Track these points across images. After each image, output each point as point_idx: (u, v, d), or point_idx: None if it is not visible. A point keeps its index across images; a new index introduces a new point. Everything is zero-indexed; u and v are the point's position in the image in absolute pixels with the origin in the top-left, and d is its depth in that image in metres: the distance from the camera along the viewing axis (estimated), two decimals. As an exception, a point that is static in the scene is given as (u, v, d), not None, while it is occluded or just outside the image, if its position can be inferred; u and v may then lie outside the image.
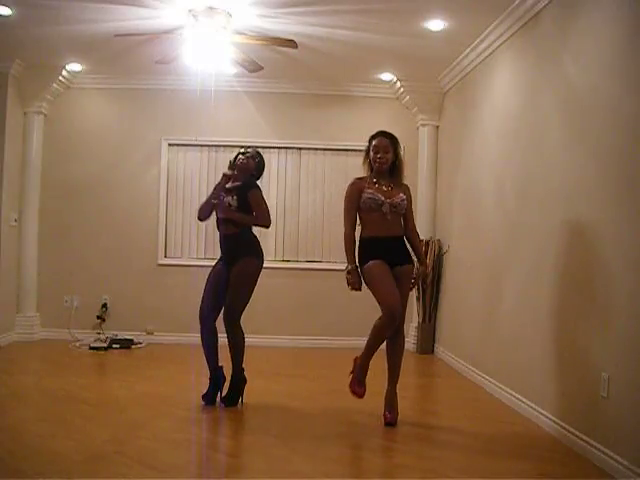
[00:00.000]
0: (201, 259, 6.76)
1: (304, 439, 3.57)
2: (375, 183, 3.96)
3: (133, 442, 3.37)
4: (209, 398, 4.16)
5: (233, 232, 4.23)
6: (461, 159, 5.95)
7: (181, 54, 5.09)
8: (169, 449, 3.31)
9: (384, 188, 3.94)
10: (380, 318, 3.75)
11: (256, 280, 4.23)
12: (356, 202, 3.93)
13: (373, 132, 7.03)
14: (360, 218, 3.98)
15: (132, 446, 3.30)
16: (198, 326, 4.25)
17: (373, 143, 4.02)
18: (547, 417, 3.83)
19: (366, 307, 6.79)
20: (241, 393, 4.22)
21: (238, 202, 4.21)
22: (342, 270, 7.48)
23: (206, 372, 4.24)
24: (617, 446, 3.08)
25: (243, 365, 4.23)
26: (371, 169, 4.03)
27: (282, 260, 6.80)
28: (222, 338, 4.19)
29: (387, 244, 3.89)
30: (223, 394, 4.21)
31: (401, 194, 3.95)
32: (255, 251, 4.27)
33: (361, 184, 3.98)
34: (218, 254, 4.37)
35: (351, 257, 3.91)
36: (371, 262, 3.84)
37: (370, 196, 3.89)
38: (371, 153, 4.01)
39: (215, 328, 4.23)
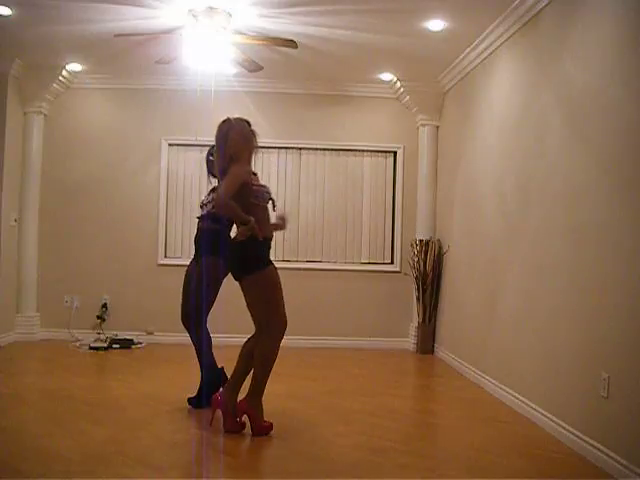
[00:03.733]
0: (201, 259, 6.75)
1: (304, 439, 3.57)
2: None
3: (133, 442, 3.37)
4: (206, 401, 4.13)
5: (212, 229, 4.14)
6: (461, 159, 5.95)
7: (181, 54, 5.09)
8: (169, 449, 3.31)
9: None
10: (271, 336, 3.54)
11: (220, 282, 4.11)
12: (245, 187, 3.49)
13: (373, 132, 6.99)
14: (250, 212, 3.50)
15: (132, 446, 3.29)
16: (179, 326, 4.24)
17: (252, 129, 3.66)
18: (547, 417, 3.83)
19: (366, 307, 6.83)
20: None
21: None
22: (343, 270, 7.43)
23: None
24: (617, 446, 3.08)
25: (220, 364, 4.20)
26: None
27: (282, 260, 6.79)
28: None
29: None
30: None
31: None
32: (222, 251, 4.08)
33: (251, 172, 3.59)
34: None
35: (243, 214, 3.46)
36: (272, 267, 3.59)
37: (265, 190, 3.60)
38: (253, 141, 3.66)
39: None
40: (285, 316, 3.60)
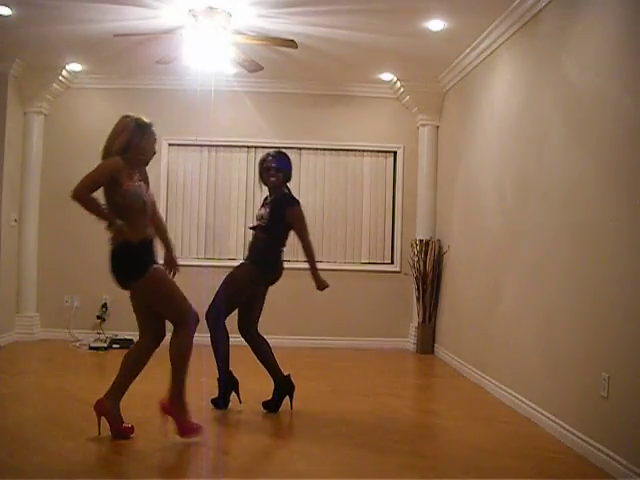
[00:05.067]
0: (201, 259, 6.75)
1: (304, 439, 3.58)
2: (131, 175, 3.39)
3: (133, 442, 3.36)
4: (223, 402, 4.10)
5: (259, 237, 4.17)
6: (461, 159, 5.95)
7: (181, 54, 5.09)
8: (169, 449, 3.31)
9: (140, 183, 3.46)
10: (185, 329, 3.36)
11: (245, 289, 4.08)
12: (114, 184, 3.33)
13: (373, 132, 7.01)
14: (120, 213, 3.31)
15: (132, 446, 3.29)
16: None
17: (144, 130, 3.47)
18: (547, 417, 3.83)
19: (366, 307, 6.83)
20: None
21: (270, 215, 4.09)
22: (343, 270, 7.41)
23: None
24: (617, 446, 3.08)
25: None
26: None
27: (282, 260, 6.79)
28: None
29: None
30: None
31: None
32: (263, 261, 4.12)
33: (122, 167, 3.35)
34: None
35: (105, 212, 3.29)
36: (155, 267, 3.38)
37: (139, 192, 3.38)
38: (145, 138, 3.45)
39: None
40: (190, 308, 3.39)
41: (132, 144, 3.37)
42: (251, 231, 4.28)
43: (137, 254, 3.31)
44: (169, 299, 3.40)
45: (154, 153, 3.52)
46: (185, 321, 3.37)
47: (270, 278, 4.18)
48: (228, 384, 4.11)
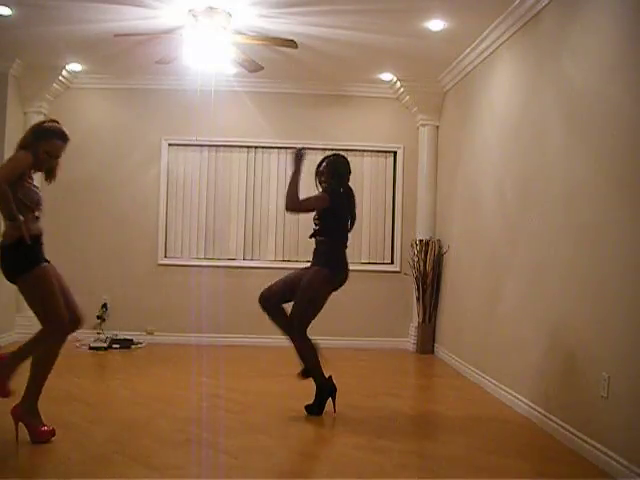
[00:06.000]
0: (201, 259, 6.76)
1: (304, 439, 3.58)
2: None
3: (133, 442, 3.37)
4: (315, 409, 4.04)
5: (319, 241, 4.17)
6: (461, 159, 5.95)
7: (181, 54, 5.09)
8: (169, 449, 3.31)
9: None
10: (50, 337, 3.30)
11: (321, 292, 4.12)
12: (19, 178, 3.21)
13: (373, 132, 7.01)
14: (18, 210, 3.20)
15: (132, 446, 3.30)
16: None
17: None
18: (547, 417, 3.83)
19: (366, 307, 6.82)
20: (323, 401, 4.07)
21: (318, 214, 4.15)
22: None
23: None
24: (617, 446, 3.08)
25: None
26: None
27: (282, 260, 6.80)
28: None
29: None
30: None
31: None
32: (328, 262, 4.10)
33: (31, 164, 3.29)
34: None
35: (13, 207, 3.17)
36: (43, 266, 3.30)
37: (37, 192, 3.34)
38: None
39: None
40: (63, 317, 3.30)
41: (28, 146, 3.32)
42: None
43: (29, 250, 3.23)
44: (44, 302, 3.28)
45: (48, 163, 3.42)
46: (48, 327, 3.28)
47: (339, 279, 4.15)
48: (325, 391, 4.06)
